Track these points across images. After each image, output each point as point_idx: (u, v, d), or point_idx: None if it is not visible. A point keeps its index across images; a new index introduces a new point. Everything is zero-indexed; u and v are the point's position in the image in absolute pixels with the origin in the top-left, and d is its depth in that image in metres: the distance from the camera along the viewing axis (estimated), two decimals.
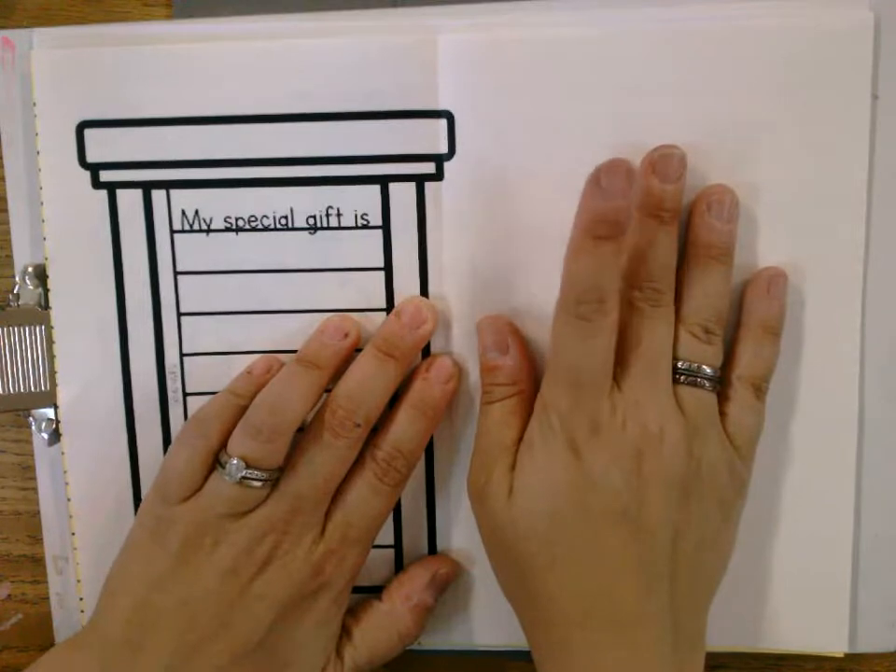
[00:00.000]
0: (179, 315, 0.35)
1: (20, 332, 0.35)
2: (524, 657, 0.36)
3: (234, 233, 0.34)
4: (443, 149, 0.33)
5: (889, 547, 0.35)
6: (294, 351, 0.34)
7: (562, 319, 0.30)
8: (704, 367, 0.31)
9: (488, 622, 0.36)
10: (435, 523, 0.36)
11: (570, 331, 0.30)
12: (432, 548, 0.36)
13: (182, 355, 0.35)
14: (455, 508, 0.35)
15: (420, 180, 0.34)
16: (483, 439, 0.33)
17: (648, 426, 0.30)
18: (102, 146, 0.34)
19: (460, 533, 0.36)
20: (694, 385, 0.31)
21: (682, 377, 0.31)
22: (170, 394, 0.35)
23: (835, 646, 0.35)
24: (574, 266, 0.30)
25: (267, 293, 0.34)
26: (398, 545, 0.36)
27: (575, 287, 0.30)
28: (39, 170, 0.34)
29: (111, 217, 0.34)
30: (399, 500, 0.35)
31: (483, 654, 0.37)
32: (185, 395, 0.35)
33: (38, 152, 0.34)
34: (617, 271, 0.30)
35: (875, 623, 0.36)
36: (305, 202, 0.34)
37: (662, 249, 0.31)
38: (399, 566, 0.36)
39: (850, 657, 0.36)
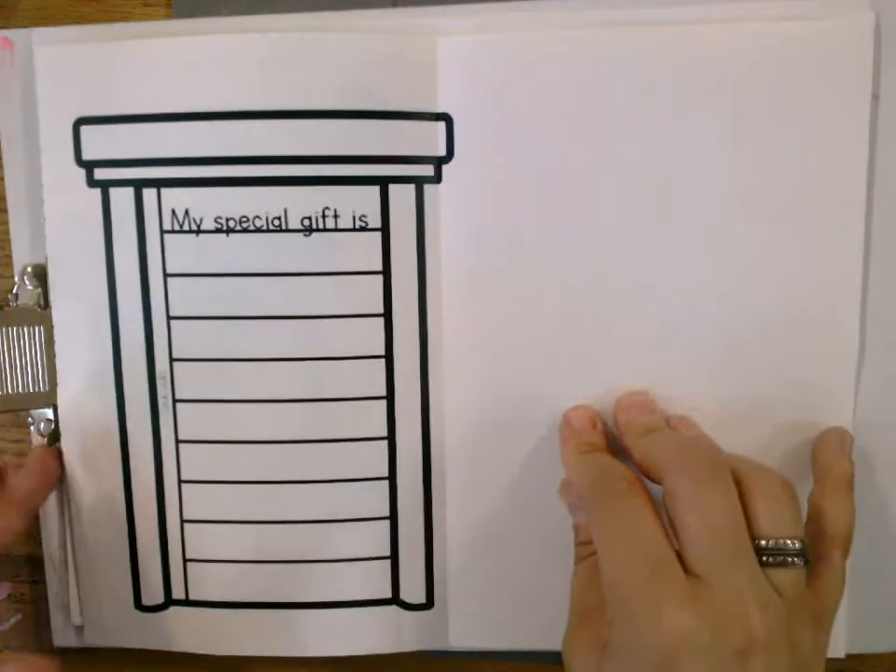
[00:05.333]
0: (169, 318, 0.35)
1: (19, 332, 0.35)
2: (497, 658, 0.37)
3: (225, 234, 0.34)
4: (442, 152, 0.33)
5: (888, 547, 0.35)
6: (287, 359, 0.34)
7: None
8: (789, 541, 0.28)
9: (463, 623, 0.36)
10: (432, 533, 0.36)
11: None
12: (429, 556, 0.36)
13: (172, 360, 0.35)
14: (451, 517, 0.35)
15: (419, 182, 0.33)
16: (570, 602, 0.31)
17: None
18: (97, 143, 0.34)
19: (456, 540, 0.36)
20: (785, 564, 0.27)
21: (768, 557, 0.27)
22: (160, 399, 0.35)
23: (835, 647, 0.35)
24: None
25: (259, 297, 0.34)
26: (394, 556, 0.36)
27: None
28: (41, 168, 0.34)
29: (104, 217, 0.34)
30: (396, 511, 0.35)
31: (455, 655, 0.37)
32: (174, 401, 0.35)
33: (40, 150, 0.34)
34: None
35: (874, 624, 0.35)
36: (300, 202, 0.33)
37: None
38: (396, 577, 0.36)
39: (850, 657, 0.36)
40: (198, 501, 0.36)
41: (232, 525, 0.36)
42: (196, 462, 0.35)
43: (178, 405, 0.35)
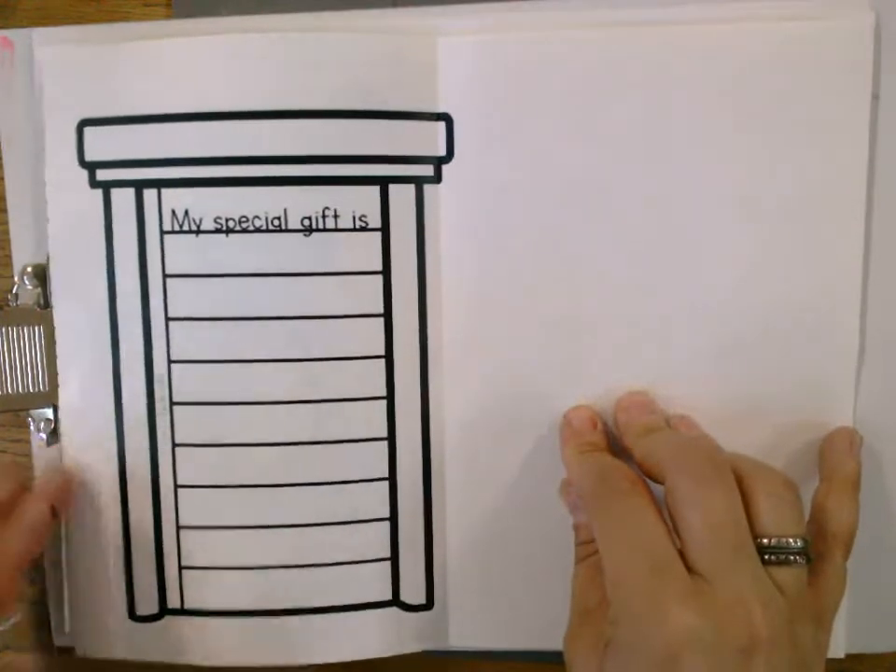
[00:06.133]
0: (168, 319, 0.34)
1: (18, 332, 0.35)
2: (497, 658, 0.37)
3: (224, 234, 0.33)
4: (442, 152, 0.33)
5: (888, 547, 0.35)
6: (286, 360, 0.34)
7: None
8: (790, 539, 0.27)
9: (463, 623, 0.36)
10: (432, 533, 0.36)
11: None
12: (429, 557, 0.36)
13: (170, 362, 0.34)
14: (451, 517, 0.35)
15: (419, 182, 0.33)
16: (571, 601, 0.32)
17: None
18: (100, 144, 0.34)
19: (456, 540, 0.36)
20: (787, 563, 0.27)
21: (770, 555, 0.27)
22: (157, 402, 0.35)
23: (835, 647, 0.35)
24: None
25: (259, 298, 0.34)
26: (394, 557, 0.36)
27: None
28: (44, 169, 0.34)
29: (105, 217, 0.34)
30: (396, 511, 0.35)
31: (455, 655, 0.37)
32: (172, 404, 0.35)
33: (44, 151, 0.34)
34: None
35: (874, 624, 0.35)
36: (300, 202, 0.33)
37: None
38: (396, 578, 0.36)
39: (850, 657, 0.36)
40: (194, 506, 0.35)
41: (229, 531, 0.35)
42: (192, 466, 0.35)
43: (175, 408, 0.35)
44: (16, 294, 0.35)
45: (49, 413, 0.35)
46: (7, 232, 0.36)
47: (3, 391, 0.35)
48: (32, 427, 0.36)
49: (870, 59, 0.32)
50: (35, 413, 0.36)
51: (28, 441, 0.37)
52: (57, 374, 0.35)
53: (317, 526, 0.35)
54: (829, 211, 0.33)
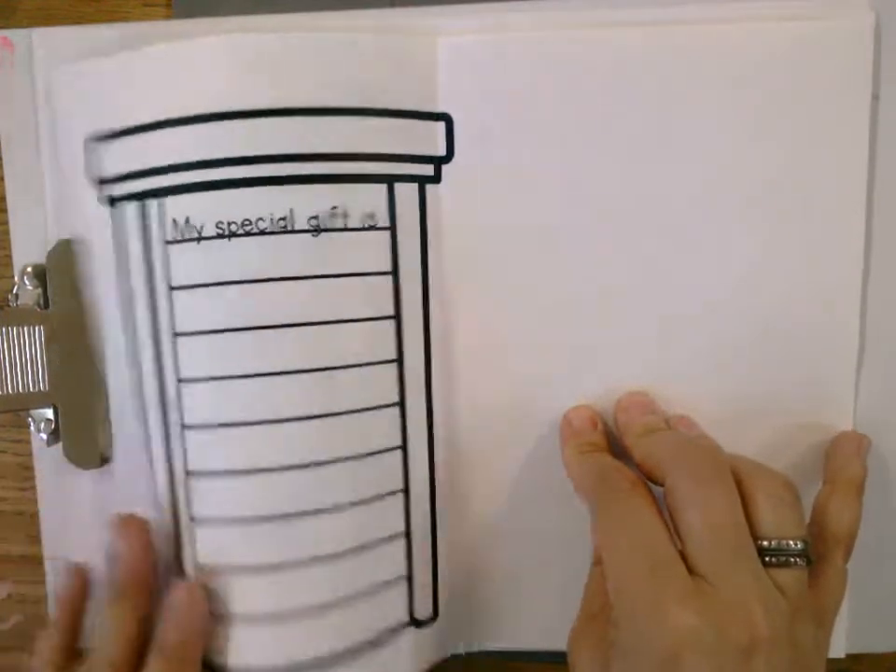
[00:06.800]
0: (175, 335, 0.32)
1: (19, 332, 0.35)
2: (497, 657, 0.37)
3: (227, 239, 0.31)
4: (442, 152, 0.33)
5: (888, 547, 0.35)
6: (296, 371, 0.32)
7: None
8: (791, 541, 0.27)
9: (465, 625, 0.36)
10: (437, 544, 0.35)
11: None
12: (434, 567, 0.35)
13: (179, 381, 0.32)
14: (453, 524, 0.35)
15: (421, 182, 0.33)
16: (582, 601, 0.31)
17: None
18: (104, 159, 0.32)
19: (456, 542, 0.35)
20: (787, 565, 0.27)
21: (770, 557, 0.27)
22: (171, 427, 0.33)
23: (835, 647, 0.35)
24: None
25: (266, 305, 0.31)
26: (409, 574, 0.34)
27: None
28: (46, 185, 0.34)
29: (114, 232, 0.33)
30: (410, 526, 0.34)
31: (455, 655, 0.37)
32: (184, 428, 0.32)
33: (46, 168, 0.34)
34: None
35: (874, 624, 0.36)
36: (307, 201, 0.31)
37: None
38: (411, 596, 0.34)
39: (850, 657, 0.36)
40: (210, 543, 0.33)
41: (247, 577, 0.33)
42: (207, 497, 0.32)
43: (186, 431, 0.32)
44: (16, 294, 0.35)
45: (49, 413, 0.35)
46: (7, 232, 0.36)
47: (3, 391, 0.35)
48: (32, 428, 0.36)
49: (870, 59, 0.32)
50: (35, 413, 0.36)
51: (28, 442, 0.37)
52: (58, 374, 0.35)
53: (340, 557, 0.33)
54: (829, 211, 0.33)
